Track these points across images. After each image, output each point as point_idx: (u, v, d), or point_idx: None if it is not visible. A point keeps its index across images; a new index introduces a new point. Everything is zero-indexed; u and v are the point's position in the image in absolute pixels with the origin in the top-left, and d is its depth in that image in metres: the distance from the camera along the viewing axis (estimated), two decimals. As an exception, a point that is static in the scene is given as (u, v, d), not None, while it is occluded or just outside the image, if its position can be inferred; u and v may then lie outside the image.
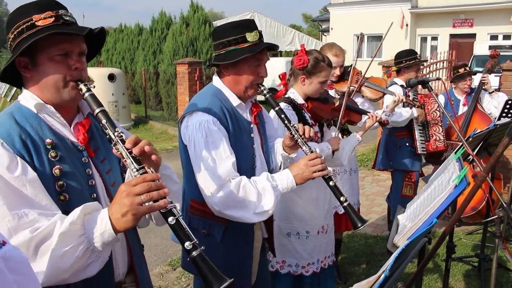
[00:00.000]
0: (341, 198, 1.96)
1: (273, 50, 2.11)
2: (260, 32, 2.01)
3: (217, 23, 15.87)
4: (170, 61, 13.52)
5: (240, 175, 1.95)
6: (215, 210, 1.91)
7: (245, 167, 2.03)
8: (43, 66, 1.38)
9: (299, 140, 2.01)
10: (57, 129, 1.42)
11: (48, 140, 1.36)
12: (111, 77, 11.69)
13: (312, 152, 2.00)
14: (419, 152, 3.97)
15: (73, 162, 1.40)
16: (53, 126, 1.41)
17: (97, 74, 11.71)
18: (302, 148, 2.02)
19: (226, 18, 20.33)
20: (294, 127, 2.02)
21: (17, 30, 1.37)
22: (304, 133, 2.02)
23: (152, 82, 14.24)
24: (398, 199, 4.01)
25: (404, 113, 3.83)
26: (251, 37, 1.96)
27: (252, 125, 2.13)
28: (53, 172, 1.34)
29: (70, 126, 1.48)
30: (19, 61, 1.39)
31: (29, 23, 1.36)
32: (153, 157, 1.36)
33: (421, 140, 3.98)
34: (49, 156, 1.34)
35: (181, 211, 2.18)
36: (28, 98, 1.41)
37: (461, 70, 4.80)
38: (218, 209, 1.90)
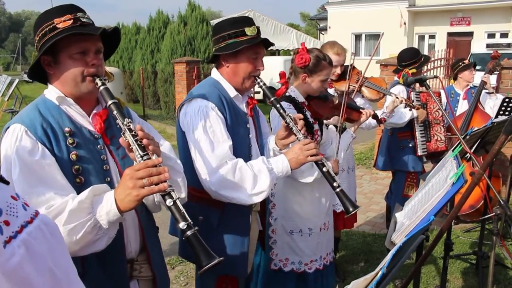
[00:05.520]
0: (334, 184, 2.03)
1: (269, 46, 2.20)
2: (258, 28, 2.11)
3: (215, 22, 15.83)
4: (168, 60, 13.52)
5: None
6: (212, 191, 1.97)
7: (241, 155, 2.07)
8: (63, 64, 1.53)
9: (293, 128, 2.07)
10: (75, 119, 1.58)
11: (66, 129, 1.52)
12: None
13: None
14: (419, 154, 3.89)
15: (89, 148, 1.56)
16: (73, 117, 1.58)
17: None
18: (296, 135, 2.07)
19: (224, 17, 20.29)
20: (289, 116, 2.07)
21: (41, 33, 1.53)
22: (297, 123, 2.07)
23: (150, 81, 14.23)
24: (400, 199, 3.96)
25: (404, 115, 3.77)
26: (249, 31, 2.07)
27: (248, 117, 2.21)
28: (70, 157, 1.50)
29: (89, 116, 1.63)
30: (43, 60, 1.55)
31: (51, 26, 1.52)
32: (151, 147, 1.46)
33: (422, 140, 3.91)
34: (67, 143, 1.51)
35: None
36: (52, 92, 1.58)
37: (466, 61, 4.85)
38: (214, 190, 1.96)
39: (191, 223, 1.38)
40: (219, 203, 2.04)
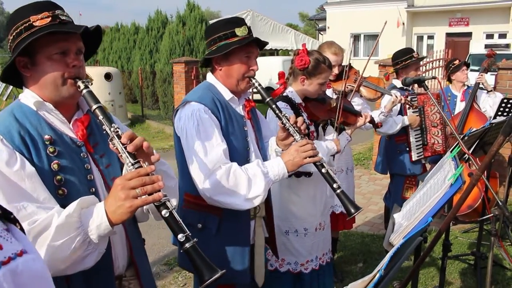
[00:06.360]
0: (334, 185, 1.96)
1: (264, 46, 2.16)
2: (249, 28, 2.07)
3: (213, 22, 15.83)
4: (166, 60, 13.50)
5: None
6: (206, 196, 1.93)
7: (239, 159, 2.04)
8: (41, 65, 1.41)
9: (290, 128, 2.02)
10: (56, 126, 1.45)
11: (46, 136, 1.39)
12: (108, 76, 11.66)
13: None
14: (413, 159, 3.82)
15: (71, 157, 1.44)
16: (52, 123, 1.45)
17: (93, 73, 11.68)
18: (293, 136, 2.03)
19: (223, 17, 20.34)
20: (286, 116, 2.04)
21: (16, 31, 1.41)
22: (296, 122, 2.03)
23: (149, 81, 14.22)
24: (399, 202, 3.89)
25: (395, 124, 3.70)
26: (240, 31, 2.03)
27: (245, 119, 2.17)
28: (52, 167, 1.37)
29: (70, 123, 1.50)
30: (18, 61, 1.42)
31: (27, 24, 1.39)
32: (153, 157, 1.39)
33: (417, 145, 3.84)
34: (48, 152, 1.38)
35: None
36: (28, 97, 1.44)
37: (456, 62, 4.84)
38: (209, 195, 1.92)
39: (190, 234, 1.30)
40: (217, 209, 1.99)
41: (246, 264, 2.15)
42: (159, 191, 1.29)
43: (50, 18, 1.39)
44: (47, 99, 1.45)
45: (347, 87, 3.57)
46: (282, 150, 2.17)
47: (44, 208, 1.29)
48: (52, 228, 1.24)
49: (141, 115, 13.34)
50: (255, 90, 2.15)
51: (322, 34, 27.59)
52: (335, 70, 3.46)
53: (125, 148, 1.34)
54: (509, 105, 4.26)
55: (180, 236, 1.28)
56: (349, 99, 3.38)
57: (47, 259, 1.23)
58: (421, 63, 12.76)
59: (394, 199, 4.03)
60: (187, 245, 1.28)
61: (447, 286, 3.65)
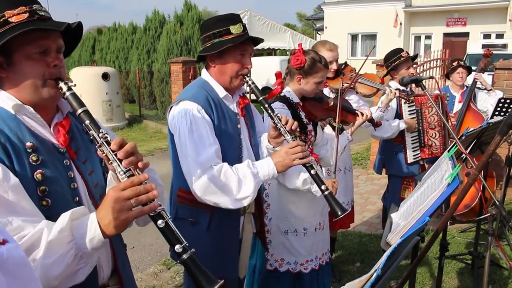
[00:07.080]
0: (322, 187, 1.98)
1: (258, 43, 2.16)
2: (244, 25, 2.07)
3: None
4: (164, 60, 13.49)
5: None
6: (197, 195, 1.96)
7: (231, 157, 2.06)
8: (19, 65, 1.30)
9: (281, 129, 2.03)
10: (36, 131, 1.34)
11: (28, 144, 1.28)
12: (105, 76, 11.64)
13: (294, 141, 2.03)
14: (408, 161, 3.81)
15: (54, 165, 1.34)
16: (33, 128, 1.34)
17: (91, 73, 11.68)
18: (284, 137, 2.05)
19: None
20: (277, 116, 2.04)
21: None
22: (287, 122, 2.04)
23: (146, 81, 14.20)
24: (397, 202, 3.86)
25: (390, 128, 3.69)
26: (235, 29, 2.03)
27: (238, 117, 2.18)
28: (35, 177, 1.27)
29: (50, 127, 1.40)
30: None
31: (1, 20, 1.27)
32: (140, 164, 1.30)
33: (413, 147, 3.82)
34: (30, 160, 1.27)
35: (169, 200, 2.22)
36: (5, 99, 1.32)
37: (454, 64, 4.86)
38: (199, 195, 1.95)
39: (187, 244, 1.24)
40: (209, 205, 2.02)
41: (235, 258, 2.19)
42: (154, 200, 1.22)
43: (28, 13, 1.28)
44: (25, 102, 1.33)
45: (343, 85, 3.57)
46: (274, 147, 2.18)
47: (31, 221, 1.20)
48: (43, 244, 1.16)
49: (139, 115, 13.32)
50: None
51: (319, 34, 27.59)
52: (333, 66, 3.47)
53: (116, 155, 1.26)
54: (506, 105, 4.27)
55: (177, 247, 1.23)
56: (344, 96, 3.38)
57: (39, 277, 1.14)
58: (419, 62, 12.86)
59: (392, 199, 4.02)
60: (184, 256, 1.23)
61: (445, 285, 3.66)
